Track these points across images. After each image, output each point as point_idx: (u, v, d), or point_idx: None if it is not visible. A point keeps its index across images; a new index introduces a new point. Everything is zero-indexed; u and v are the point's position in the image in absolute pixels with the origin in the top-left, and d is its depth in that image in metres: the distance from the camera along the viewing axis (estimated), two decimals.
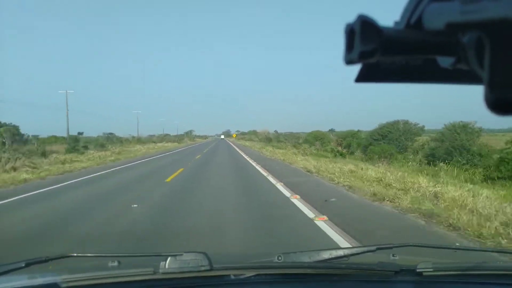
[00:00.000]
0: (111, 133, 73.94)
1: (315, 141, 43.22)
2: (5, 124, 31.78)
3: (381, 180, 9.82)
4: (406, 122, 31.79)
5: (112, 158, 25.03)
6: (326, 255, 1.49)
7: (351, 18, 0.37)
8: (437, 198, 7.30)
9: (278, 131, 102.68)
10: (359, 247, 2.76)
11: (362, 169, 12.93)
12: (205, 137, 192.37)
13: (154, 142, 66.09)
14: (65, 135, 43.57)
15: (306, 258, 1.48)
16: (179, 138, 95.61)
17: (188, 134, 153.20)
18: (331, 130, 68.67)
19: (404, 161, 25.98)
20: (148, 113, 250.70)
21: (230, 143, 66.54)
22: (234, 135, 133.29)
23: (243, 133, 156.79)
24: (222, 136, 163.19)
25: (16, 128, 31.52)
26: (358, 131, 40.67)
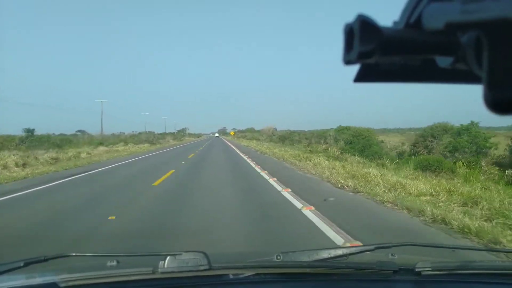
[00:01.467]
0: (80, 130, 57.86)
1: (359, 140, 25.97)
2: None
3: None
4: None
5: None
6: (325, 254, 1.49)
7: (350, 17, 0.37)
8: None
9: (277, 129, 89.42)
10: (358, 246, 2.77)
11: None
12: (199, 135, 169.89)
13: (100, 144, 36.21)
14: (16, 132, 29.14)
15: (305, 258, 1.48)
16: (154, 137, 62.46)
17: (181, 131, 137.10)
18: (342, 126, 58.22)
19: None
20: (141, 111, 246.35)
21: (229, 144, 45.70)
22: (232, 133, 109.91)
23: (240, 131, 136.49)
24: (217, 134, 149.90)
25: None
26: (471, 124, 21.98)
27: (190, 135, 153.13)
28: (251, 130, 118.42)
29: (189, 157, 21.59)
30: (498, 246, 4.19)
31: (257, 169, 13.80)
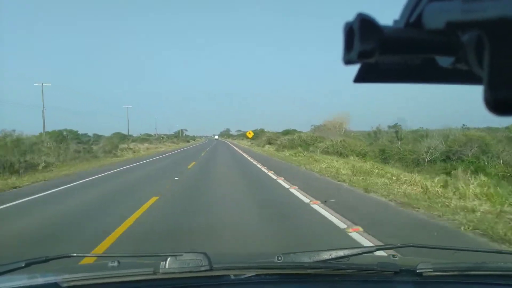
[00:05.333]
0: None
1: None
2: None
3: None
4: None
5: None
6: (326, 255, 1.48)
7: (351, 14, 0.37)
8: None
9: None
10: (359, 247, 2.76)
11: None
12: (193, 138, 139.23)
13: None
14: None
15: (306, 258, 1.48)
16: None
17: (179, 133, 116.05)
18: (397, 125, 34.23)
19: None
20: (142, 110, 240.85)
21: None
22: (251, 134, 55.35)
23: (243, 134, 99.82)
24: (217, 137, 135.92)
25: None
26: None
27: (189, 137, 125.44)
28: (260, 132, 76.44)
29: None
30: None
31: None
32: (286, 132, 53.49)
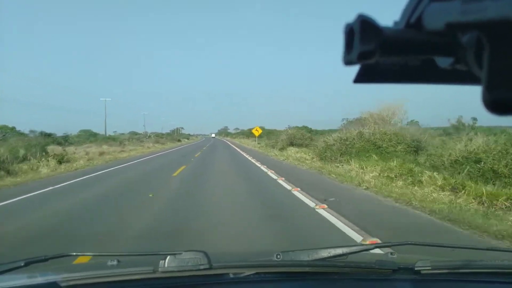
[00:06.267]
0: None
1: None
2: None
3: None
4: None
5: None
6: (324, 253, 1.49)
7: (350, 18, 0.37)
8: None
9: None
10: (358, 245, 2.76)
11: None
12: (187, 137, 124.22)
13: None
14: None
15: (305, 257, 1.48)
16: None
17: (176, 132, 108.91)
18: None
19: None
20: (139, 109, 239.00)
21: None
22: (258, 130, 37.73)
23: (243, 132, 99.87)
24: (213, 135, 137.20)
25: None
26: None
27: (182, 136, 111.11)
28: (262, 130, 59.66)
29: None
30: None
31: None
32: (300, 129, 37.66)
